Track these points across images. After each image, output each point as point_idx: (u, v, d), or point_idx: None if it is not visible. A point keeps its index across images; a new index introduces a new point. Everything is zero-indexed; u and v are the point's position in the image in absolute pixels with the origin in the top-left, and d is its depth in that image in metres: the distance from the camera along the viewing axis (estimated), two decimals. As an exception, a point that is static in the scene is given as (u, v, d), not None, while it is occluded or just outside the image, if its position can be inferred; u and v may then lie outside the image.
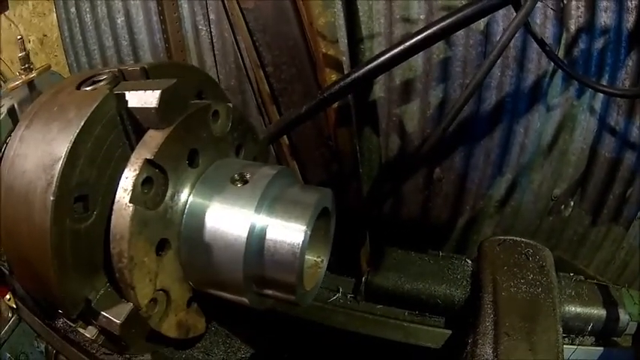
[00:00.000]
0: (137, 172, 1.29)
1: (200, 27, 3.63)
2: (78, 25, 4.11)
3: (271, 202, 1.42)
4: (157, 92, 1.32)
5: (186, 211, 1.42)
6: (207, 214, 1.42)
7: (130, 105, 1.35)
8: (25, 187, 1.29)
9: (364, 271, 3.66)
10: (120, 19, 3.88)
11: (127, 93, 1.36)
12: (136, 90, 1.36)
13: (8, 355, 3.39)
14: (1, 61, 4.69)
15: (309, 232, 1.37)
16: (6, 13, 4.54)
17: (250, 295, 1.46)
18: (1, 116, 2.98)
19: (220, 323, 2.53)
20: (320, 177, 3.15)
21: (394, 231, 3.89)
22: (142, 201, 1.30)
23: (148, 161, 1.30)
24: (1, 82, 4.37)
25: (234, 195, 1.39)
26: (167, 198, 1.37)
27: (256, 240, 1.38)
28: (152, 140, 1.33)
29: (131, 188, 1.28)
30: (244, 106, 3.66)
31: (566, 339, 3.44)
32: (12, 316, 3.35)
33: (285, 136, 3.06)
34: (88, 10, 4.01)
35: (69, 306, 1.36)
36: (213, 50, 3.63)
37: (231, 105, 1.60)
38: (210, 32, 3.58)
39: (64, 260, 1.29)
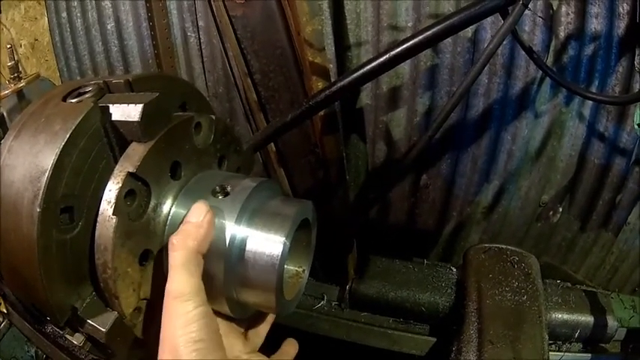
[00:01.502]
0: (120, 184, 1.30)
1: (189, 34, 3.64)
2: (69, 30, 4.12)
3: (251, 214, 1.43)
4: (140, 106, 1.33)
5: (168, 222, 1.43)
6: None
7: (113, 118, 1.36)
8: (14, 198, 1.30)
9: (351, 277, 3.67)
10: (110, 25, 3.89)
11: (110, 106, 1.37)
12: (120, 103, 1.37)
13: (-1, 359, 3.40)
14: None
15: (288, 244, 1.38)
16: (-2, 17, 4.55)
17: (231, 305, 1.48)
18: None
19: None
20: (307, 184, 3.16)
21: (381, 238, 3.90)
22: (124, 213, 1.31)
23: (130, 174, 1.31)
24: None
25: (214, 207, 1.40)
26: (150, 209, 1.38)
27: (236, 251, 1.39)
28: (135, 153, 1.34)
29: (114, 201, 1.29)
30: (232, 114, 3.68)
31: (553, 346, 3.46)
32: (3, 321, 3.36)
33: (272, 144, 3.07)
34: (79, 15, 4.02)
35: (56, 314, 1.36)
36: (202, 57, 3.64)
37: (214, 117, 1.61)
38: (199, 39, 3.59)
39: (51, 269, 1.30)
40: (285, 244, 1.38)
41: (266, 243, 1.39)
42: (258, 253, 1.39)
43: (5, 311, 3.21)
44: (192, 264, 1.27)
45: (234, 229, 1.38)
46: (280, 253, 1.37)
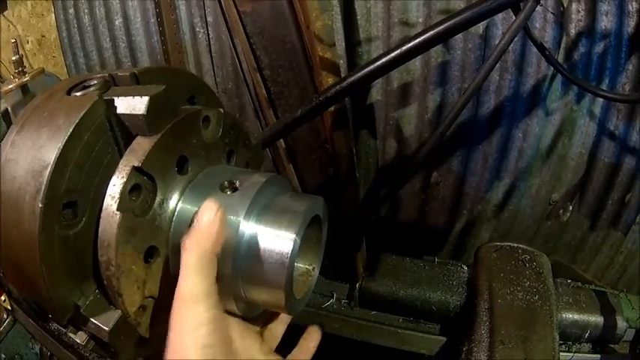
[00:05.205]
0: (125, 179, 1.27)
1: (197, 29, 3.62)
2: (76, 26, 4.10)
3: (260, 210, 1.39)
4: (145, 99, 1.29)
5: (174, 218, 1.40)
6: None
7: (118, 111, 1.33)
8: (15, 193, 1.27)
9: (360, 275, 3.64)
10: (118, 21, 3.87)
11: (115, 99, 1.34)
12: (125, 96, 1.34)
13: (3, 356, 3.39)
14: (-1, 63, 4.69)
15: (298, 241, 1.35)
16: (4, 13, 4.54)
17: (239, 304, 1.45)
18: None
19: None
20: (316, 180, 3.13)
21: (391, 235, 3.88)
22: (129, 208, 1.28)
23: (135, 168, 1.28)
24: (-2, 84, 4.36)
25: (223, 202, 1.36)
26: (155, 205, 1.35)
27: (245, 248, 1.35)
28: (140, 147, 1.31)
29: (118, 196, 1.26)
30: (241, 110, 3.66)
31: (563, 346, 3.44)
32: (7, 318, 3.35)
33: (281, 140, 3.05)
34: (86, 11, 4.00)
35: (58, 312, 1.34)
36: (211, 53, 3.62)
37: (222, 110, 1.58)
38: (208, 35, 3.57)
39: (53, 266, 1.27)
40: (295, 241, 1.34)
41: (276, 240, 1.35)
42: (267, 250, 1.36)
43: (10, 308, 3.20)
44: (207, 266, 1.22)
45: (243, 226, 1.35)
46: (290, 251, 1.34)
